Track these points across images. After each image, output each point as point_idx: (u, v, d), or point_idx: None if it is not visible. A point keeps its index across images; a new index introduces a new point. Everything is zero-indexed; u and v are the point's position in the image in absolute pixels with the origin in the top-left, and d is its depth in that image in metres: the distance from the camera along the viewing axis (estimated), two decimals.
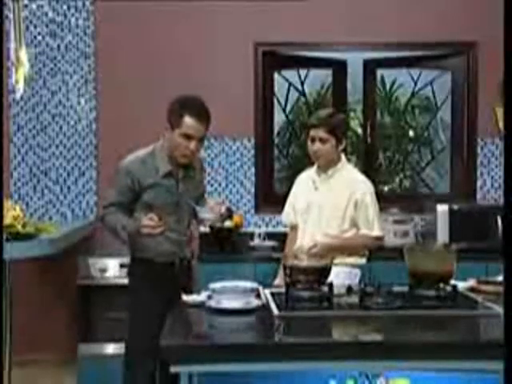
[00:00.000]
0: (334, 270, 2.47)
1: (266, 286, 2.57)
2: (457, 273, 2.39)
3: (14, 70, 3.53)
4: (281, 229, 4.08)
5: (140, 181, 2.69)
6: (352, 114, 5.33)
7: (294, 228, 3.11)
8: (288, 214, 3.13)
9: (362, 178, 3.02)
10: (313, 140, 2.93)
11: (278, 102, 4.64)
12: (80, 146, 4.28)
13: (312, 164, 3.11)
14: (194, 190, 2.85)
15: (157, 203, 2.70)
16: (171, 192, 2.74)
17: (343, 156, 3.05)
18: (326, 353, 1.89)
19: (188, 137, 2.63)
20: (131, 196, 2.72)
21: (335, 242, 2.89)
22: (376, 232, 2.94)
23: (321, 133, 2.90)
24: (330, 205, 2.93)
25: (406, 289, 2.37)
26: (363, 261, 2.98)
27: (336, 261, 2.70)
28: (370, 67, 4.56)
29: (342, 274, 2.79)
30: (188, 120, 2.62)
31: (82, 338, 3.82)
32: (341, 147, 2.96)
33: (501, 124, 4.26)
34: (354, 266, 2.91)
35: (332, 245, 2.86)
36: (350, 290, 2.41)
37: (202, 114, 2.65)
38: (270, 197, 4.40)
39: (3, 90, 4.01)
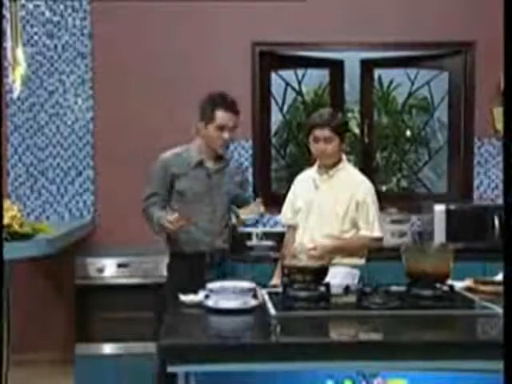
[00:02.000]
0: (333, 271, 2.48)
1: (263, 285, 2.57)
2: (454, 272, 2.39)
3: (10, 69, 3.52)
4: (278, 229, 4.08)
5: (173, 171, 2.94)
6: (349, 114, 5.33)
7: (292, 228, 3.11)
8: (286, 214, 3.13)
9: (363, 178, 3.02)
10: (317, 140, 2.92)
11: (276, 101, 4.64)
12: (77, 146, 4.28)
13: (311, 164, 3.11)
14: (228, 186, 3.02)
15: (188, 192, 2.93)
16: (202, 182, 2.95)
17: (344, 156, 3.05)
18: (323, 353, 1.89)
19: (221, 128, 2.90)
20: (165, 186, 2.95)
21: (336, 244, 2.89)
22: (376, 233, 2.94)
23: (326, 132, 2.90)
24: (330, 204, 2.93)
25: (403, 289, 2.37)
26: (362, 261, 2.98)
27: (335, 261, 2.71)
28: (367, 67, 4.56)
29: (341, 275, 2.80)
30: (219, 113, 2.91)
31: (80, 337, 3.82)
32: (343, 147, 2.98)
33: (498, 124, 4.27)
34: (352, 266, 2.92)
35: (332, 246, 2.86)
36: (347, 289, 2.41)
37: (230, 105, 2.93)
38: (268, 197, 4.39)
39: (2, 89, 4.01)
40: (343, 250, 2.90)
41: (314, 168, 3.05)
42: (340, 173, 2.98)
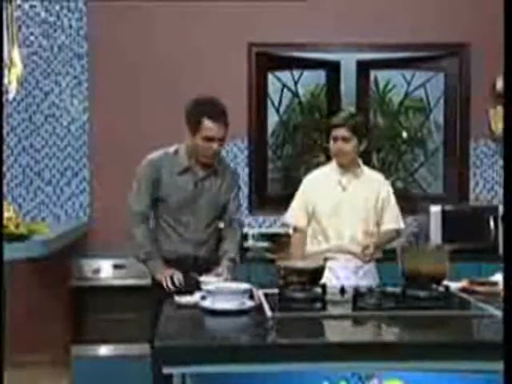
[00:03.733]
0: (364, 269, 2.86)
1: (259, 286, 2.57)
2: (449, 273, 2.40)
3: (6, 70, 3.51)
4: (275, 230, 4.09)
5: (159, 175, 2.78)
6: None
7: (299, 231, 3.08)
8: (297, 217, 3.07)
9: (381, 176, 3.17)
10: (335, 139, 2.99)
11: (272, 102, 4.64)
12: (73, 147, 4.27)
13: (321, 164, 3.15)
14: (215, 193, 2.87)
15: (172, 200, 2.79)
16: (187, 190, 2.80)
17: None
18: (318, 354, 1.89)
19: (209, 139, 2.71)
20: (152, 192, 2.80)
21: (378, 240, 2.99)
22: (401, 225, 3.12)
23: (345, 132, 2.96)
24: (362, 204, 3.00)
25: (399, 289, 2.38)
26: (380, 255, 3.10)
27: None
28: (363, 68, 4.57)
29: (371, 273, 2.98)
30: (207, 123, 2.70)
31: (76, 339, 3.81)
32: (361, 147, 3.02)
33: (493, 125, 4.28)
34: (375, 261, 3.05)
35: (379, 243, 2.98)
36: (343, 290, 2.41)
37: (219, 115, 2.72)
38: (264, 198, 4.40)
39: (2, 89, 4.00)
40: (381, 245, 3.03)
41: (333, 169, 3.06)
42: (364, 172, 3.07)
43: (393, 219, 3.06)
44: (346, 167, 3.03)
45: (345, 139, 2.96)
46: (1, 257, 2.34)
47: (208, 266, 2.81)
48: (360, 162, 3.09)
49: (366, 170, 3.12)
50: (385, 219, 3.04)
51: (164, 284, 2.68)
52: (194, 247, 2.85)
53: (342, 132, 2.96)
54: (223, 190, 2.89)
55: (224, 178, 2.90)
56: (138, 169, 2.86)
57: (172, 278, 2.67)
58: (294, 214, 3.09)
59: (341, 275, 2.89)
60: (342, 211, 2.98)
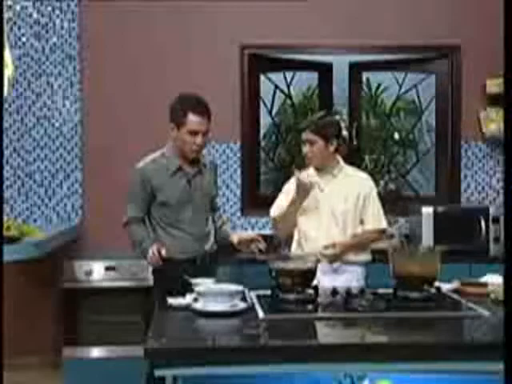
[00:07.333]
0: (349, 269, 2.86)
1: (251, 288, 2.57)
2: (441, 274, 2.41)
3: None
4: (267, 231, 4.08)
5: (152, 182, 2.84)
6: (338, 117, 5.33)
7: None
8: (275, 207, 3.09)
9: (364, 174, 3.12)
10: (304, 142, 3.00)
11: (264, 104, 4.65)
12: (65, 149, 4.26)
13: (306, 166, 3.14)
14: (207, 187, 2.97)
15: (170, 201, 2.85)
16: (183, 189, 2.87)
17: (338, 156, 3.07)
18: (311, 355, 1.89)
19: (194, 133, 2.79)
20: (146, 199, 2.87)
21: (353, 241, 2.97)
22: (384, 224, 3.05)
23: (309, 135, 2.97)
24: (340, 204, 2.98)
25: (390, 291, 2.38)
26: (369, 257, 3.07)
27: (351, 258, 2.91)
28: (355, 70, 4.58)
29: (355, 274, 2.95)
30: (191, 117, 2.78)
31: (67, 341, 3.80)
32: (331, 148, 2.99)
33: (484, 127, 4.30)
34: (361, 264, 3.02)
35: (350, 243, 2.95)
36: (335, 292, 2.42)
37: (202, 109, 2.81)
38: (256, 199, 4.41)
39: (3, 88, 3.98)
40: (357, 246, 2.99)
41: (311, 171, 3.06)
42: (343, 172, 3.04)
43: (374, 219, 3.01)
44: (321, 169, 3.02)
45: (310, 142, 2.97)
46: (0, 257, 2.34)
47: (216, 263, 2.98)
48: (340, 160, 3.06)
49: (347, 168, 3.08)
50: (366, 219, 3.01)
51: (150, 253, 2.72)
52: (200, 242, 2.92)
53: (306, 135, 2.98)
54: (211, 184, 3.02)
55: (209, 172, 3.01)
56: (130, 177, 2.91)
57: (159, 251, 2.70)
58: (278, 205, 3.09)
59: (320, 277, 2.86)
60: (321, 213, 2.99)
